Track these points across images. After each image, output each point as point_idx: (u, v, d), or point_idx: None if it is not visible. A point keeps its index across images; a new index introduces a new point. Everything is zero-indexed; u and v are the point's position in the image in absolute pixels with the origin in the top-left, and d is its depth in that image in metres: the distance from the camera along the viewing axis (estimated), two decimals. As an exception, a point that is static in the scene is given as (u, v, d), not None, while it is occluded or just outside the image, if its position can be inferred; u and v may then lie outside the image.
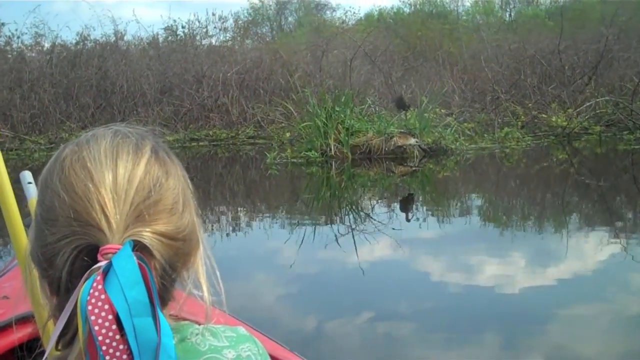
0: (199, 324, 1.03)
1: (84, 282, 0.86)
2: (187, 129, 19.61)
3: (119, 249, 0.88)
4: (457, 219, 9.04)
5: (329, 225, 8.78)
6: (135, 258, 0.87)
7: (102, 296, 0.84)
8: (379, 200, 10.88)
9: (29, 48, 22.81)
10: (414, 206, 10.15)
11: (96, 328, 0.84)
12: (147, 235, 0.92)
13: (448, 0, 53.93)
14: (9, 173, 1.82)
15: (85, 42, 23.07)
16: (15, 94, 19.90)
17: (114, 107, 20.55)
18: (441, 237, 7.80)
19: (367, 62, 21.33)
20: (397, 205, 10.27)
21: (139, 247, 0.91)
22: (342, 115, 13.76)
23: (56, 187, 0.94)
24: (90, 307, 0.84)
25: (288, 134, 17.44)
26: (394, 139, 13.33)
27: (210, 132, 19.52)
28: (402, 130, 13.46)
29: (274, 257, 7.24)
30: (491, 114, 16.23)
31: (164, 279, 0.96)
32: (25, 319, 1.79)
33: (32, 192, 2.00)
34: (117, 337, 0.84)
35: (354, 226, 8.55)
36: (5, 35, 22.11)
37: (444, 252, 7.14)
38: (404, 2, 55.12)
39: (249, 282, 6.06)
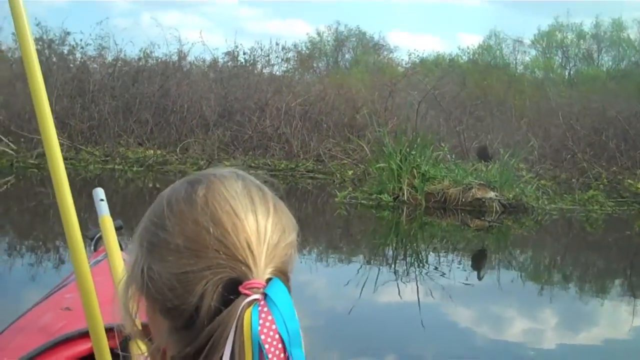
0: None
1: (245, 312, 0.91)
2: (246, 155, 19.05)
3: (263, 285, 0.95)
4: (530, 284, 8.57)
5: (391, 274, 8.42)
6: (289, 293, 0.94)
7: (274, 326, 0.91)
8: (449, 253, 10.30)
9: (92, 60, 22.67)
10: (485, 264, 9.65)
11: (269, 355, 0.90)
12: (281, 276, 0.99)
13: (507, 53, 53.91)
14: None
15: (148, 59, 22.90)
16: (76, 103, 19.55)
17: (173, 126, 20.08)
18: (507, 302, 7.48)
19: (432, 107, 20.64)
20: (466, 261, 9.80)
21: None
22: (419, 160, 13.04)
23: (202, 220, 0.99)
24: (263, 337, 0.90)
25: (350, 172, 16.80)
26: (473, 190, 12.55)
27: (269, 162, 18.96)
28: (482, 182, 12.67)
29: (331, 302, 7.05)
30: (569, 173, 15.38)
31: None
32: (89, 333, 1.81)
33: (103, 209, 2.10)
34: None
35: (416, 277, 8.22)
36: (70, 45, 21.95)
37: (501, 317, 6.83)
38: (462, 50, 55.16)
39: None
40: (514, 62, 51.86)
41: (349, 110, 20.99)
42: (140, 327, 1.13)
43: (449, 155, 14.20)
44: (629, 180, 14.16)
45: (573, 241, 11.90)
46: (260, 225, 1.00)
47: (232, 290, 0.95)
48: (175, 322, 1.00)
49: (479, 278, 8.65)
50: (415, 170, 12.96)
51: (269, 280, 0.98)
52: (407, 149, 13.18)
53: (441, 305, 6.93)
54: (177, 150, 18.75)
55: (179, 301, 0.99)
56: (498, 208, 12.44)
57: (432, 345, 5.71)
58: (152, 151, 18.31)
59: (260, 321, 0.91)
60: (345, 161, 17.85)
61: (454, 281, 7.89)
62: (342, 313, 6.22)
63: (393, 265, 9.12)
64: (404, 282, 7.79)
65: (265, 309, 0.92)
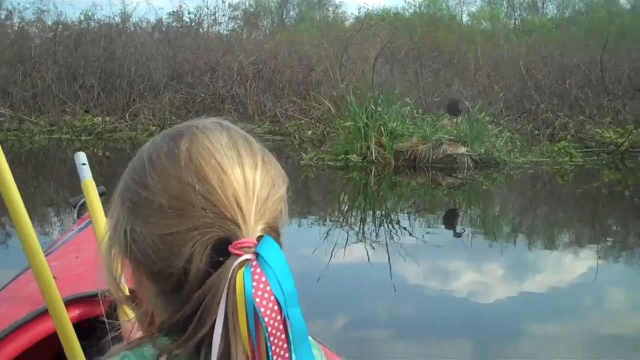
0: None
1: (237, 273, 0.87)
2: (200, 118, 18.25)
3: (254, 244, 0.90)
4: (499, 240, 8.16)
5: (359, 237, 8.02)
6: (282, 251, 0.89)
7: (268, 288, 0.86)
8: (419, 213, 9.92)
9: (31, 24, 21.65)
10: (456, 223, 9.20)
11: (266, 319, 0.85)
12: (272, 233, 0.94)
13: (453, 5, 53.51)
14: (9, 157, 1.85)
15: (90, 21, 21.93)
16: (17, 71, 18.52)
17: (120, 91, 19.20)
18: (475, 259, 7.16)
19: (386, 62, 20.06)
20: (436, 221, 9.38)
21: None
22: (386, 117, 12.51)
23: (187, 177, 0.93)
24: (258, 300, 0.85)
25: (310, 132, 16.25)
26: (444, 146, 12.10)
27: (224, 125, 18.27)
28: (452, 138, 12.23)
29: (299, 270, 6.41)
30: (535, 124, 15.02)
31: None
32: (75, 301, 1.81)
33: (86, 173, 2.07)
34: (281, 327, 0.86)
35: (386, 240, 7.76)
36: (7, 10, 20.85)
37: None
38: (408, 3, 54.59)
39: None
40: (460, 14, 51.60)
41: (302, 68, 20.33)
42: (126, 292, 1.09)
43: (415, 111, 13.63)
44: (597, 130, 13.82)
45: (544, 195, 11.53)
46: (248, 180, 0.95)
47: (222, 251, 0.90)
48: (162, 287, 0.96)
49: (452, 235, 8.26)
50: (382, 128, 12.42)
51: (260, 238, 0.92)
52: (373, 106, 12.61)
53: (411, 266, 6.55)
54: (127, 116, 17.92)
55: (165, 264, 0.94)
56: (470, 164, 12.01)
57: (402, 306, 5.57)
58: (100, 118, 17.50)
59: (254, 283, 0.86)
60: (303, 121, 17.25)
61: (424, 242, 7.58)
62: (311, 278, 5.79)
63: (362, 229, 8.63)
64: (372, 246, 7.41)
65: (259, 270, 0.87)
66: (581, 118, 14.64)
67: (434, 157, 12.07)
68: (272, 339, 0.87)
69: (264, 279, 0.87)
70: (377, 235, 8.09)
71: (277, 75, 20.05)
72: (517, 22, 48.90)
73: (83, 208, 3.00)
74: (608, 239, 8.51)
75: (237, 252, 0.89)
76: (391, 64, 20.08)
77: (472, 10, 52.68)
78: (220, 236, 0.91)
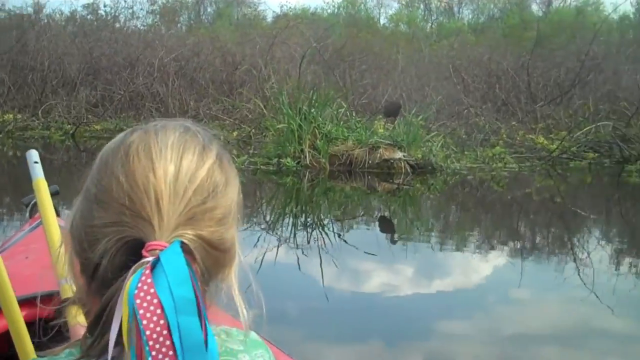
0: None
1: (132, 275, 0.84)
2: (119, 117, 17.42)
3: (165, 247, 0.87)
4: (429, 248, 7.78)
5: (289, 244, 7.59)
6: (184, 257, 0.86)
7: (151, 290, 0.83)
8: (350, 220, 9.46)
9: None
10: (389, 230, 8.85)
11: (144, 322, 0.82)
12: (193, 239, 0.91)
13: (371, 6, 53.66)
14: None
15: (0, 12, 20.72)
16: None
17: (32, 86, 18.12)
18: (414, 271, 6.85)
19: (313, 62, 19.61)
20: (368, 228, 9.03)
21: (184, 250, 0.88)
22: (320, 119, 12.03)
23: (117, 170, 0.93)
24: (138, 301, 0.82)
25: (235, 133, 15.62)
26: (380, 151, 11.71)
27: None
28: (389, 142, 11.85)
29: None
30: (466, 129, 14.83)
31: (203, 285, 0.93)
32: (24, 302, 1.74)
33: (37, 172, 2.04)
34: (165, 332, 0.82)
35: (318, 247, 7.34)
36: None
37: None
38: (327, 3, 54.46)
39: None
40: (378, 16, 51.81)
41: (226, 66, 19.66)
42: (72, 293, 1.12)
43: (348, 114, 13.19)
44: (530, 135, 13.70)
45: (476, 201, 11.22)
46: (180, 181, 0.91)
47: (137, 252, 0.87)
48: (87, 281, 0.95)
49: (381, 240, 8.01)
50: (316, 131, 11.94)
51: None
52: (307, 108, 12.12)
53: (342, 274, 6.40)
54: (39, 113, 16.90)
55: (84, 257, 0.94)
56: (407, 169, 11.67)
57: (334, 314, 5.34)
58: (10, 115, 16.46)
59: (139, 284, 0.82)
60: (228, 121, 16.60)
61: (353, 247, 7.31)
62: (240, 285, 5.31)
63: (292, 235, 8.15)
64: (303, 253, 7.05)
65: (147, 272, 0.83)
66: (513, 123, 14.50)
67: (370, 162, 11.67)
68: (151, 343, 0.81)
69: (149, 280, 0.83)
70: (308, 242, 7.64)
71: (199, 72, 19.32)
72: (433, 26, 49.45)
73: (35, 207, 2.87)
74: (527, 243, 8.41)
75: (146, 254, 0.86)
76: (317, 64, 19.65)
77: (389, 13, 53.25)
78: (135, 236, 0.89)
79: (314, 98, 12.47)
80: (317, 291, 5.74)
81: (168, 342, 0.82)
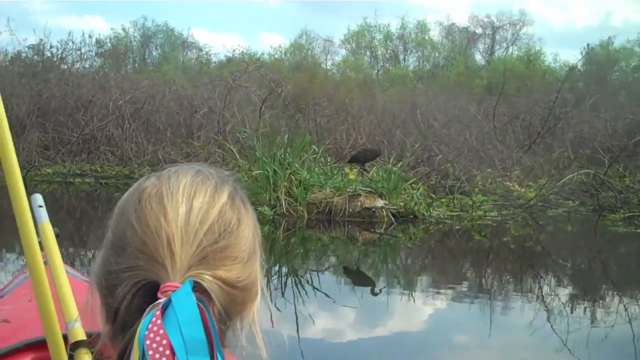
0: None
1: (145, 317, 0.85)
2: (72, 161, 16.55)
3: (178, 288, 0.87)
4: (413, 301, 7.39)
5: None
6: (194, 297, 0.86)
7: (161, 331, 0.83)
8: (327, 271, 9.07)
9: None
10: (368, 282, 8.35)
11: None
12: (207, 279, 0.91)
13: (318, 53, 53.80)
14: None
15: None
16: None
17: (-22, 128, 17.09)
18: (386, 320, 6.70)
19: (271, 107, 19.05)
20: (345, 279, 8.57)
21: (199, 289, 0.89)
22: (296, 165, 11.44)
23: (130, 216, 0.95)
24: (148, 342, 0.82)
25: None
26: (361, 198, 11.17)
27: (98, 167, 16.61)
28: (370, 190, 11.32)
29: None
30: (439, 177, 14.43)
31: (220, 324, 0.94)
32: (28, 346, 1.64)
33: (42, 216, 1.98)
34: None
35: (294, 300, 6.97)
36: None
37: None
38: (274, 49, 54.33)
39: None
40: (325, 62, 51.94)
41: (183, 109, 19.00)
42: (81, 336, 1.13)
43: (327, 159, 12.66)
44: (508, 184, 13.34)
45: (455, 250, 10.77)
46: (191, 222, 0.93)
47: (153, 294, 0.89)
48: (110, 327, 0.96)
49: (362, 295, 7.57)
50: (293, 177, 11.33)
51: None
52: (283, 153, 11.53)
53: (320, 328, 6.14)
54: (-13, 156, 15.88)
55: (105, 303, 0.96)
56: (391, 218, 11.14)
57: None
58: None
59: (150, 325, 0.83)
60: (188, 166, 15.88)
61: (330, 299, 7.07)
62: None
63: (266, 288, 7.52)
64: (276, 307, 6.57)
65: (158, 313, 0.84)
66: (489, 170, 14.15)
67: (350, 210, 11.11)
68: None
69: (159, 321, 0.83)
70: (282, 294, 7.20)
71: (155, 115, 18.60)
72: (379, 73, 49.75)
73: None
74: (498, 292, 8.21)
75: (161, 296, 0.87)
76: (274, 109, 19.11)
77: (336, 59, 53.47)
78: (150, 279, 0.90)
79: (289, 143, 11.91)
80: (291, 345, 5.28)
81: None
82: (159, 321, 0.83)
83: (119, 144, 17.42)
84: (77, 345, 1.16)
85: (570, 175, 13.42)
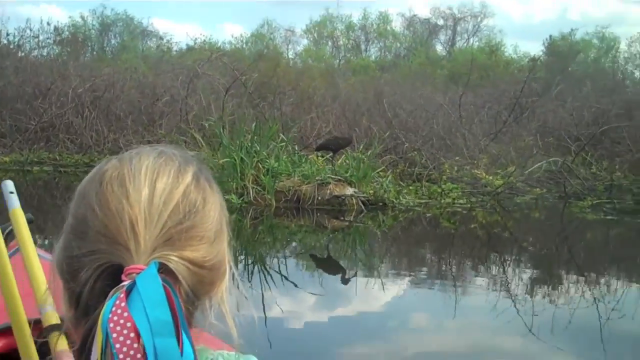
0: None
1: (107, 300, 0.83)
2: (30, 149, 16.10)
3: (143, 269, 0.85)
4: (378, 287, 7.31)
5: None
6: (159, 279, 0.84)
7: (125, 314, 0.81)
8: (293, 260, 8.95)
9: None
10: (334, 269, 8.32)
11: (117, 346, 0.80)
12: (173, 260, 0.89)
13: (279, 42, 53.47)
14: None
15: None
16: None
17: None
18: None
19: (234, 95, 18.71)
20: (311, 268, 8.44)
21: (165, 270, 0.87)
22: (264, 153, 11.22)
23: (91, 200, 0.92)
24: (112, 325, 0.81)
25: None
26: (330, 186, 10.98)
27: (57, 156, 16.18)
28: (339, 178, 11.14)
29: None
30: (405, 165, 14.31)
31: (187, 304, 0.92)
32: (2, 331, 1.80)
33: (14, 202, 2.05)
34: (139, 356, 0.80)
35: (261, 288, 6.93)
36: None
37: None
38: (236, 38, 53.90)
39: None
40: (287, 52, 51.60)
41: (145, 97, 18.60)
42: (54, 321, 1.13)
43: (295, 147, 12.43)
44: (476, 171, 13.26)
45: (423, 237, 10.72)
46: (154, 204, 0.90)
47: (117, 278, 0.86)
48: (74, 312, 0.94)
49: (329, 281, 7.65)
50: (260, 165, 11.10)
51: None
52: (250, 141, 11.29)
53: (284, 313, 6.15)
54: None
55: (67, 287, 0.94)
56: (361, 206, 10.98)
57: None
58: None
59: (113, 308, 0.81)
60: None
61: (297, 288, 7.05)
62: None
63: (235, 267, 7.38)
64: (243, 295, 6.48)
65: (122, 296, 0.82)
66: (457, 158, 14.06)
67: (319, 198, 10.93)
68: None
69: (123, 304, 0.81)
70: (249, 281, 7.10)
71: (115, 104, 18.17)
72: (341, 62, 49.61)
73: (9, 236, 2.68)
74: (463, 275, 8.32)
75: (125, 279, 0.85)
76: (238, 98, 18.78)
77: (298, 49, 53.21)
78: (113, 262, 0.88)
79: (256, 131, 11.67)
80: (260, 331, 5.08)
81: None
82: (122, 304, 0.81)
83: (78, 132, 17.00)
84: (51, 329, 1.11)
85: (540, 163, 13.41)
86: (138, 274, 0.84)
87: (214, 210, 0.97)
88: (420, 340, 5.67)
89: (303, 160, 11.95)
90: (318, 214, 10.80)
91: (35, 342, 1.63)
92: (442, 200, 12.27)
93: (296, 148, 12.91)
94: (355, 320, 6.17)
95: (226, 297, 1.01)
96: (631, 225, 11.74)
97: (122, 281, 0.85)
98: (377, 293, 7.03)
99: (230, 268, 1.02)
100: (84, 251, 0.90)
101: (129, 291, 0.83)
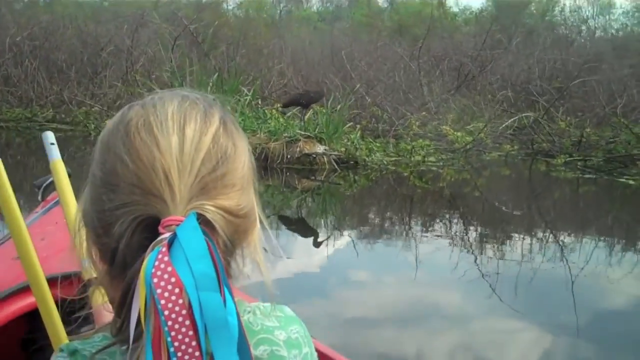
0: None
1: (149, 254, 0.81)
2: (-35, 103, 15.06)
3: (182, 221, 0.83)
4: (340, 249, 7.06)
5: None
6: (200, 230, 0.82)
7: (169, 268, 0.79)
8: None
9: None
10: (303, 232, 7.89)
11: (162, 302, 0.78)
12: (210, 209, 0.87)
13: (218, -8, 51.92)
14: None
15: None
16: None
17: None
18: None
19: (181, 47, 17.75)
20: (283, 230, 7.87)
21: (202, 221, 0.85)
22: (228, 108, 10.47)
23: (120, 150, 0.89)
24: (155, 280, 0.79)
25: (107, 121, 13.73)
26: (299, 144, 10.37)
27: (-4, 110, 15.16)
28: (309, 135, 10.53)
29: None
30: (370, 121, 13.77)
31: (225, 255, 0.90)
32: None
33: (54, 153, 2.05)
34: (184, 312, 0.78)
35: None
36: None
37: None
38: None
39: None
40: (226, 2, 50.23)
41: (87, 47, 17.52)
42: (92, 274, 1.05)
43: (259, 101, 11.73)
44: (445, 127, 12.79)
45: (402, 197, 10.21)
46: (186, 152, 0.87)
47: (154, 230, 0.84)
48: (108, 266, 0.92)
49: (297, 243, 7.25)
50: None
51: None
52: (213, 93, 10.54)
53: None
54: None
55: (100, 243, 0.92)
56: (333, 164, 10.41)
57: None
58: None
59: (156, 262, 0.79)
60: (96, 107, 14.67)
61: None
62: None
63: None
64: None
65: (164, 249, 0.80)
66: (423, 113, 13.56)
67: (288, 157, 10.32)
68: (170, 323, 0.77)
69: (166, 258, 0.79)
70: None
71: (57, 54, 17.08)
72: (282, 14, 48.70)
73: (47, 189, 3.00)
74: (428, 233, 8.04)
75: (163, 230, 0.83)
76: (185, 49, 17.84)
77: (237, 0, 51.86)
78: (149, 214, 0.85)
79: (217, 84, 10.96)
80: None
81: (188, 322, 0.78)
82: (165, 258, 0.79)
83: (18, 84, 15.93)
84: (91, 282, 1.07)
85: (513, 119, 13.06)
86: (177, 225, 0.82)
87: (244, 156, 0.95)
88: (379, 300, 5.51)
89: (268, 115, 11.28)
90: (288, 174, 10.21)
91: (69, 299, 1.61)
92: (412, 158, 11.79)
93: (260, 103, 12.20)
94: (308, 279, 5.97)
95: (259, 246, 0.98)
96: (610, 184, 11.47)
97: (159, 233, 0.82)
98: (342, 252, 6.82)
99: (259, 216, 0.98)
100: (117, 204, 0.86)
101: (170, 244, 0.80)
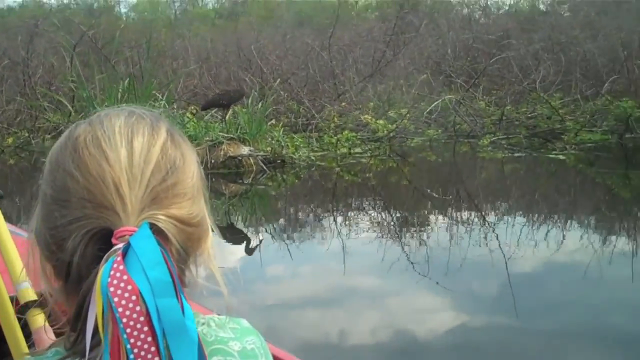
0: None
1: (103, 264, 0.81)
2: None
3: (135, 231, 0.84)
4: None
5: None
6: (154, 239, 0.83)
7: (125, 277, 0.79)
8: None
9: None
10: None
11: (120, 310, 0.78)
12: (162, 219, 0.87)
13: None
14: None
15: None
16: None
17: None
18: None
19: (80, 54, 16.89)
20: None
21: (154, 231, 0.85)
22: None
23: (69, 166, 0.89)
24: (112, 289, 0.79)
25: (10, 140, 12.98)
26: (223, 147, 9.87)
27: None
28: (231, 136, 10.04)
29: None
30: (287, 116, 13.36)
31: (179, 263, 0.90)
32: None
33: None
34: (142, 318, 0.78)
35: None
36: None
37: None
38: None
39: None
40: (119, 6, 48.89)
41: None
42: (32, 297, 1.10)
43: (173, 104, 11.15)
44: (366, 116, 12.48)
45: (332, 191, 9.92)
46: (135, 164, 0.88)
47: (107, 242, 0.84)
48: (64, 282, 0.91)
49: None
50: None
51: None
52: (125, 103, 9.93)
53: None
54: None
55: (54, 259, 0.91)
56: (260, 165, 9.97)
57: None
58: None
59: (112, 272, 0.79)
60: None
61: None
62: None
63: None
64: None
65: (118, 259, 0.80)
66: (343, 104, 13.24)
67: (212, 161, 9.82)
68: (128, 330, 0.77)
69: (121, 267, 0.79)
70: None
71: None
72: (177, 13, 47.81)
73: None
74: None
75: (116, 242, 0.83)
76: (84, 56, 16.99)
77: (130, 1, 50.61)
78: (102, 226, 0.85)
79: (129, 90, 10.36)
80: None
81: (146, 328, 0.78)
82: (121, 267, 0.79)
83: None
84: (28, 306, 1.07)
85: (435, 103, 12.88)
86: (130, 235, 0.82)
87: (193, 166, 0.95)
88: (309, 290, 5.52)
89: (185, 120, 10.73)
90: (213, 179, 9.69)
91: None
92: (338, 151, 11.45)
93: (175, 106, 11.63)
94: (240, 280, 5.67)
95: (212, 254, 0.97)
96: (534, 160, 11.43)
97: (113, 245, 0.82)
98: (270, 255, 6.61)
99: (211, 225, 0.98)
100: (70, 219, 0.86)
101: (124, 254, 0.80)
